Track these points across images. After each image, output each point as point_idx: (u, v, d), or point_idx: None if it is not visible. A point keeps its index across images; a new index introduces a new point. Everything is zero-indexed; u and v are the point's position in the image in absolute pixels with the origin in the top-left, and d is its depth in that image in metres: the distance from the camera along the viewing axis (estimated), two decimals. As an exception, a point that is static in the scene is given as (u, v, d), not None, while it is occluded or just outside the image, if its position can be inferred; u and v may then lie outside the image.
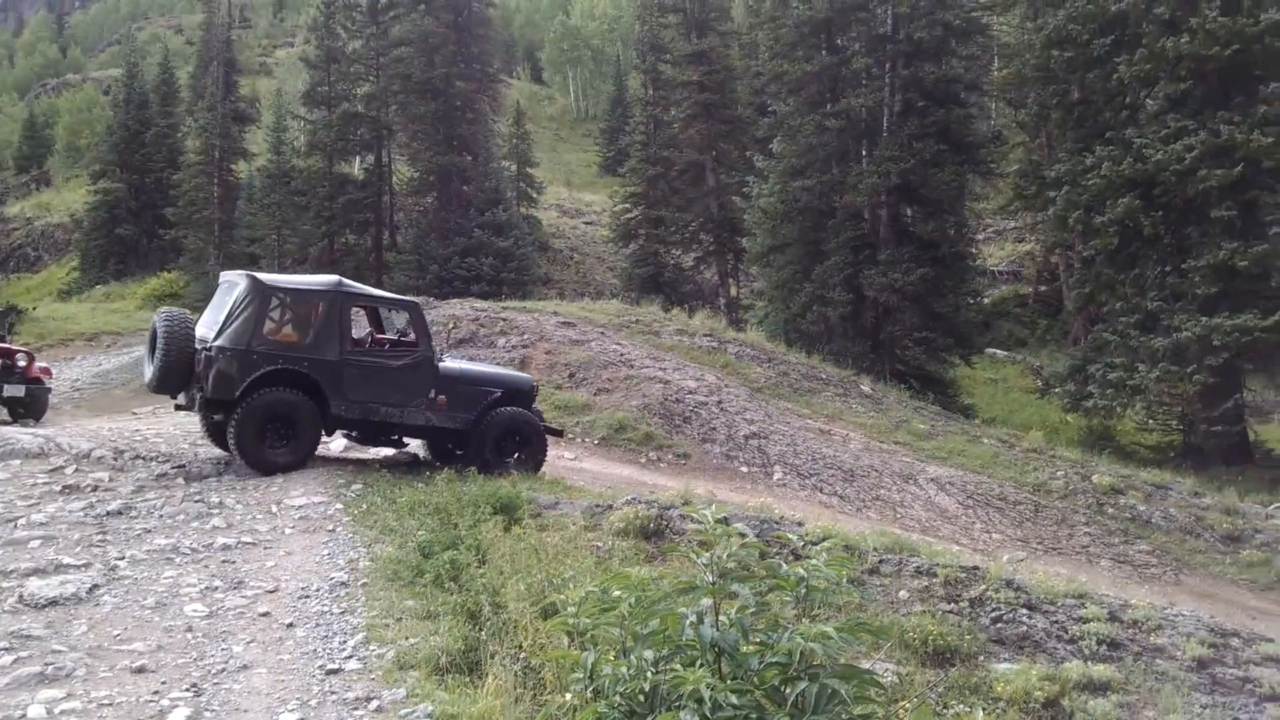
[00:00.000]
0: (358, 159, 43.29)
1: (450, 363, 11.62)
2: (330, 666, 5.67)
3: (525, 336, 19.55)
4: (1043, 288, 37.22)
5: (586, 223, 50.25)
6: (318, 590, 7.03)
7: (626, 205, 41.28)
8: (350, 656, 5.83)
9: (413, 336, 11.29)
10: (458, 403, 11.11)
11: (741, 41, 43.81)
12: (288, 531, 8.57)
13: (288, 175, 40.03)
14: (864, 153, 27.25)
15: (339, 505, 9.51)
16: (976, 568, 8.31)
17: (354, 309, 11.18)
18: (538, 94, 78.98)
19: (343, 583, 7.19)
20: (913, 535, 11.79)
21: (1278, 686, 6.89)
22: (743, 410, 17.37)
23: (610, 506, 9.19)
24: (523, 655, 5.46)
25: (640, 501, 9.21)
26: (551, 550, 7.43)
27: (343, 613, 6.59)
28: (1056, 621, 7.53)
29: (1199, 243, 21.48)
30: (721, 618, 3.86)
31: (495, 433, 11.23)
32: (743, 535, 4.15)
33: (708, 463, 15.74)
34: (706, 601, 3.91)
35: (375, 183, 41.19)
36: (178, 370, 10.34)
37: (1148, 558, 13.89)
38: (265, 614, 6.52)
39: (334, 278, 11.14)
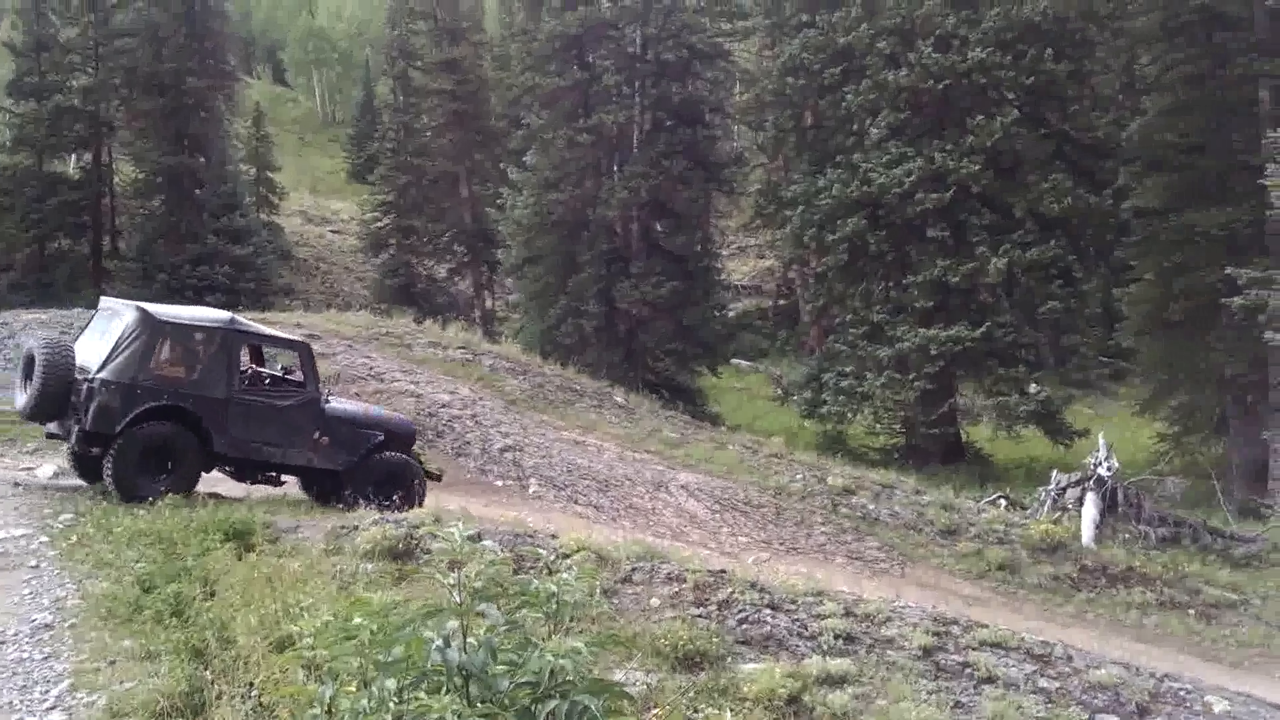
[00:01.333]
0: (73, 156, 39.49)
1: (335, 404, 11.41)
2: (27, 721, 5.03)
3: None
4: (781, 301, 39.39)
5: (334, 231, 48.27)
6: (16, 635, 6.26)
7: (376, 214, 40.06)
8: (53, 708, 5.21)
9: (299, 376, 11.18)
10: (340, 444, 11.02)
11: (494, 53, 43.67)
12: (-21, 570, 7.59)
13: (-12, 173, 35.93)
14: (616, 168, 27.79)
15: (44, 538, 8.54)
16: (724, 571, 8.55)
17: (243, 346, 11.02)
18: (280, 95, 75.24)
19: (46, 625, 6.44)
20: (664, 542, 12.01)
21: (992, 669, 7.49)
22: (498, 423, 17.18)
23: (356, 527, 8.76)
24: (254, 693, 5.05)
25: (388, 521, 8.84)
26: (289, 578, 6.97)
27: (45, 658, 5.89)
28: (798, 619, 7.86)
29: (918, 260, 23.41)
30: (470, 640, 3.71)
31: (378, 475, 11.11)
32: (494, 552, 4.01)
33: (462, 477, 15.40)
34: (453, 624, 3.73)
35: (94, 183, 37.69)
36: (54, 399, 9.98)
37: (877, 553, 14.86)
38: (-53, 667, 5.71)
39: (226, 314, 11.12)
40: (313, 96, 77.06)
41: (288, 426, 10.75)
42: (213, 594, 6.69)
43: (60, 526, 8.95)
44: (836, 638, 7.60)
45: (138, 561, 7.54)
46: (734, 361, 33.55)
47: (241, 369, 11.14)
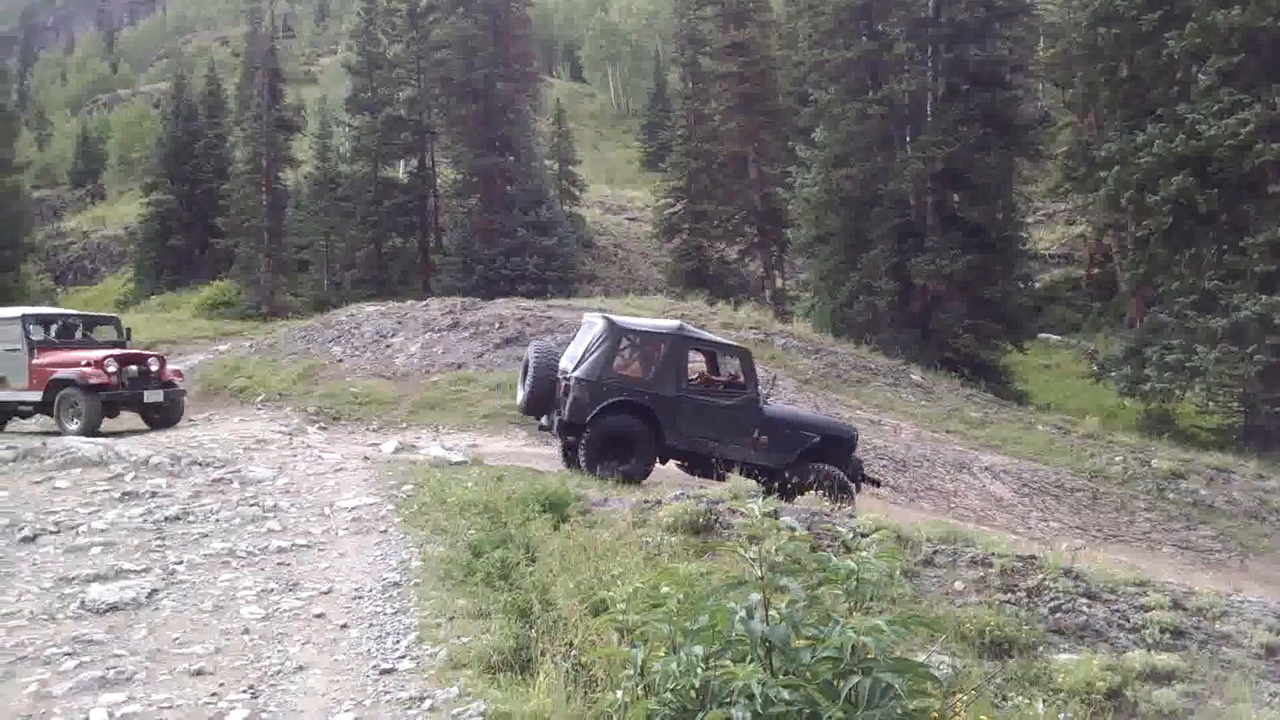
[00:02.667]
0: (402, 163, 43.66)
1: (775, 406, 12.46)
2: (384, 666, 5.71)
3: (571, 334, 19.58)
4: (1095, 270, 36.50)
5: (630, 219, 50.25)
6: (371, 591, 7.09)
7: (669, 200, 41.19)
8: (403, 656, 5.86)
9: (741, 379, 12.19)
10: (777, 444, 11.83)
11: (780, 31, 43.48)
12: (340, 533, 8.66)
13: (334, 181, 40.48)
14: (907, 139, 26.90)
15: (390, 506, 9.59)
16: (1034, 557, 8.15)
17: (691, 351, 12.25)
18: (577, 92, 79.12)
19: (395, 583, 7.24)
20: (967, 525, 11.61)
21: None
22: (792, 403, 17.25)
23: (659, 502, 9.15)
24: (573, 653, 5.45)
25: (689, 496, 9.16)
26: (600, 547, 7.42)
27: (395, 613, 6.64)
28: (1117, 610, 7.36)
29: (1256, 219, 20.92)
30: (771, 612, 3.81)
31: (810, 475, 11.72)
32: (791, 529, 4.10)
33: (757, 456, 15.61)
34: (755, 596, 3.86)
35: (420, 186, 41.52)
36: (542, 395, 11.77)
37: (1211, 543, 13.56)
38: (320, 615, 6.58)
39: (676, 323, 12.20)
40: (607, 90, 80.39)
41: (730, 424, 11.69)
42: (534, 560, 7.25)
43: (403, 496, 10.00)
44: (1163, 631, 7.05)
45: (468, 529, 8.30)
46: (1042, 336, 31.56)
47: (692, 375, 12.44)
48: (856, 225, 27.07)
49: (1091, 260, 36.94)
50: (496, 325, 20.09)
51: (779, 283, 38.34)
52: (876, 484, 12.94)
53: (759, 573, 3.87)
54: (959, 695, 5.66)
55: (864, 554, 3.88)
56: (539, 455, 13.71)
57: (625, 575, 6.34)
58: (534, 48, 48.98)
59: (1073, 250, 38.45)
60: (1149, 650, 6.78)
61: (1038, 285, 33.11)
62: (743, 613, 3.89)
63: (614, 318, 12.01)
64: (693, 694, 3.83)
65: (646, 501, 9.35)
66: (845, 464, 12.09)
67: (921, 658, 6.11)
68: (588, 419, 11.26)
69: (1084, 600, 7.39)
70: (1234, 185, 21.37)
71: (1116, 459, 15.99)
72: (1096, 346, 30.21)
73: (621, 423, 11.33)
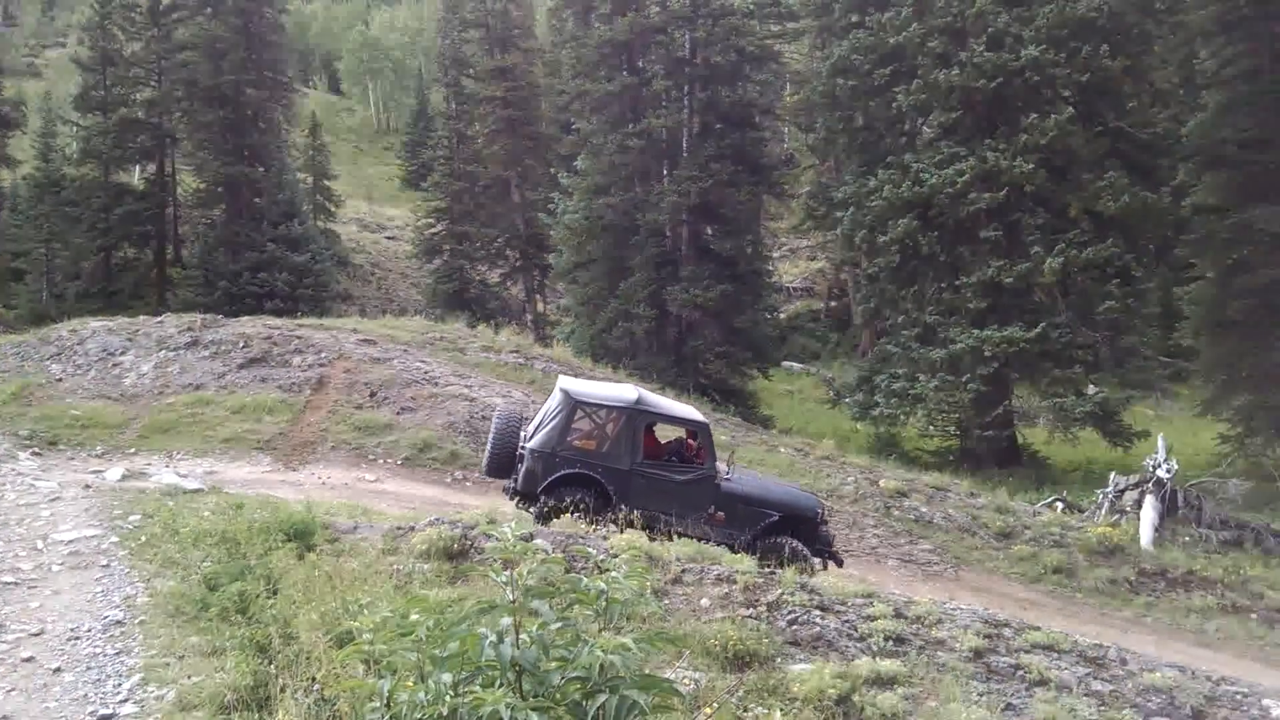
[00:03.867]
0: (137, 168, 40.61)
1: (734, 483, 12.12)
2: (103, 712, 5.27)
3: (323, 355, 18.83)
4: (833, 303, 39.18)
5: (389, 238, 49.02)
6: (89, 631, 6.52)
7: (430, 220, 40.60)
8: (125, 700, 5.43)
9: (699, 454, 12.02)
10: (734, 520, 11.66)
11: (545, 59, 44.01)
12: (55, 569, 7.90)
13: (57, 184, 37.02)
14: (665, 172, 27.90)
15: (114, 538, 8.85)
16: (773, 573, 8.60)
17: (647, 424, 11.99)
18: (336, 105, 76.51)
19: (118, 621, 6.69)
20: (713, 548, 12.07)
21: (1045, 672, 7.45)
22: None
23: (412, 528, 8.96)
24: (316, 687, 5.22)
25: (443, 522, 9.02)
26: (348, 576, 7.17)
27: (117, 654, 6.13)
28: (848, 620, 7.89)
29: (970, 261, 23.18)
30: (523, 636, 3.82)
31: (770, 554, 11.32)
32: (544, 551, 4.13)
33: (514, 480, 15.61)
34: (506, 620, 3.85)
35: (157, 193, 38.73)
36: (501, 460, 11.80)
37: (930, 556, 14.77)
38: (29, 659, 5.99)
39: (634, 394, 12.03)
40: (368, 105, 78.25)
41: (685, 499, 11.55)
42: (275, 592, 6.90)
43: (129, 527, 9.26)
44: (887, 639, 7.62)
45: (203, 561, 7.79)
46: (785, 364, 33.47)
47: (664, 443, 12.33)
48: (617, 253, 27.74)
49: (830, 294, 39.65)
50: (241, 344, 19.01)
51: (540, 307, 38.60)
52: (839, 563, 12.38)
53: (511, 596, 3.88)
54: (705, 709, 5.87)
55: (614, 574, 3.95)
56: (284, 482, 13.09)
57: (373, 604, 6.15)
58: (288, 56, 47.03)
59: (814, 284, 41.09)
60: (874, 657, 7.31)
61: (782, 316, 35.14)
62: (493, 637, 3.87)
63: (571, 388, 11.97)
64: (441, 722, 3.76)
65: (399, 528, 9.12)
66: (813, 539, 11.94)
67: (669, 674, 6.29)
68: (539, 489, 11.23)
69: (818, 612, 7.87)
70: (952, 229, 23.61)
71: (850, 479, 17.13)
72: (833, 374, 32.35)
73: (572, 495, 11.19)
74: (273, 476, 13.65)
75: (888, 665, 7.07)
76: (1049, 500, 18.60)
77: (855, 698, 6.66)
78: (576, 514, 10.89)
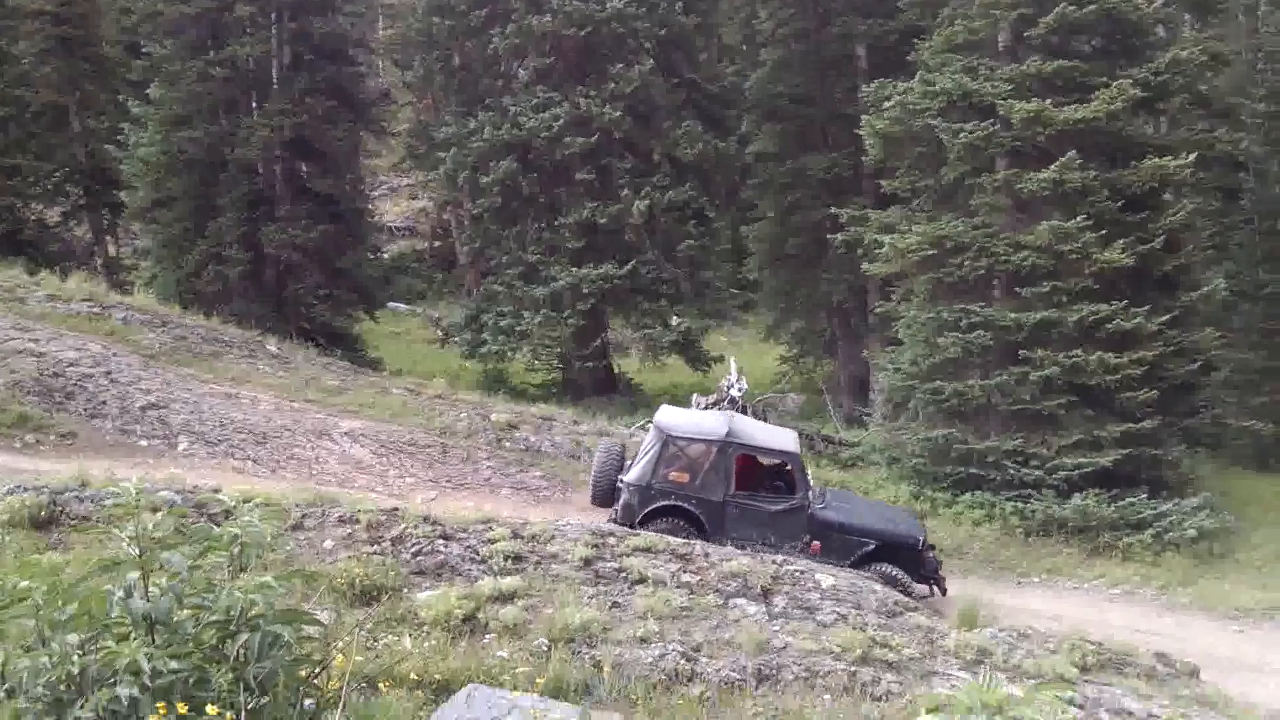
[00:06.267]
0: None
1: (830, 510, 12.17)
2: None
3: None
4: (438, 243, 39.26)
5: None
6: None
7: (-31, 151, 34.95)
8: None
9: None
10: (830, 550, 11.65)
11: (104, -29, 39.15)
12: None
13: None
14: (255, 105, 26.24)
15: None
16: (396, 509, 8.85)
17: (739, 455, 12.16)
18: None
19: None
20: (331, 489, 12.04)
21: (644, 570, 8.42)
22: (137, 380, 16.07)
23: (-13, 498, 8.11)
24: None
25: (25, 489, 8.25)
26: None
27: None
28: (469, 546, 8.37)
29: (568, 202, 24.36)
30: (152, 588, 3.81)
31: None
32: (170, 504, 4.10)
33: (100, 440, 14.38)
34: (133, 575, 3.82)
35: None
36: (603, 492, 12.51)
37: (541, 482, 15.72)
38: None
39: (725, 427, 12.26)
40: None
41: (778, 529, 11.76)
42: None
43: None
44: (506, 559, 8.20)
45: None
46: (391, 305, 33.17)
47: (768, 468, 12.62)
48: (202, 190, 25.73)
49: (434, 234, 39.65)
50: None
51: (112, 250, 34.87)
52: (943, 591, 12.19)
53: (135, 551, 3.84)
54: (336, 642, 6.05)
55: (247, 519, 4.05)
56: None
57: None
58: None
59: (417, 223, 40.82)
60: (496, 577, 7.86)
61: (386, 256, 34.66)
62: (120, 593, 3.83)
63: (665, 422, 12.44)
64: (68, 685, 3.68)
65: (-30, 500, 8.20)
66: (914, 565, 11.94)
67: (299, 615, 6.38)
68: (635, 522, 11.39)
69: (441, 542, 8.27)
70: (550, 172, 24.62)
71: (462, 416, 17.64)
72: (440, 314, 32.61)
73: (667, 527, 11.26)
74: None
75: (508, 582, 7.65)
76: (643, 423, 20.32)
77: (480, 615, 7.17)
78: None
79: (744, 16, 33.70)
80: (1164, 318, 16.73)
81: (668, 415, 13.09)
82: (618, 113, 23.31)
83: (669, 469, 12.04)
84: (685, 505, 11.86)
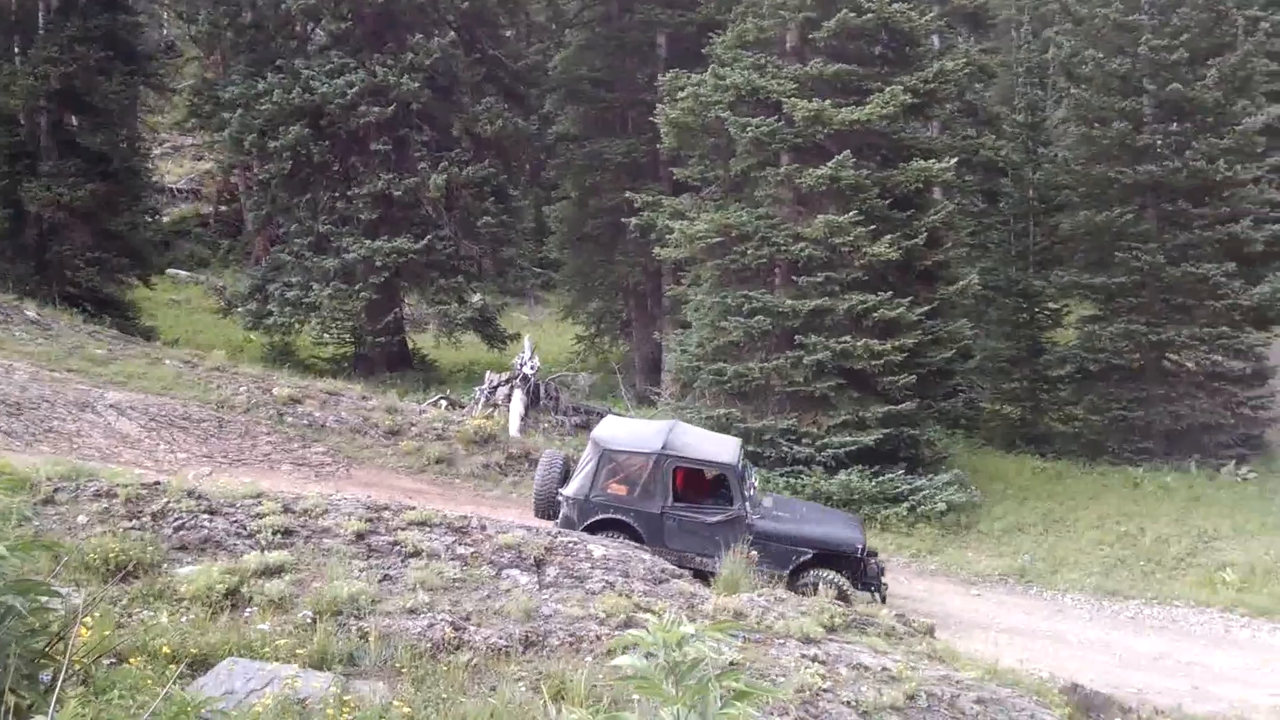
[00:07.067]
0: None
1: (768, 521, 12.25)
2: None
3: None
4: (223, 207, 37.34)
5: None
6: None
7: None
8: None
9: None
10: (768, 559, 11.68)
11: None
12: None
13: None
14: (17, 51, 24.16)
15: None
16: (158, 483, 8.55)
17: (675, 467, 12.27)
18: None
19: None
20: (92, 464, 11.43)
21: (418, 544, 8.49)
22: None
23: None
24: None
25: None
26: None
27: None
28: (236, 521, 8.20)
29: (362, 172, 23.79)
30: None
31: (807, 592, 11.44)
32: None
33: None
34: None
35: None
36: (544, 503, 12.62)
37: (323, 458, 15.42)
38: None
39: (660, 440, 12.34)
40: None
41: (716, 540, 11.69)
42: None
43: None
44: (275, 533, 8.09)
45: None
46: (170, 272, 31.41)
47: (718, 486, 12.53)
48: (-48, 139, 23.54)
49: (219, 198, 37.65)
50: None
51: None
52: (883, 599, 12.18)
53: None
54: (85, 618, 5.86)
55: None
56: None
57: None
58: None
59: (201, 186, 38.66)
60: (263, 551, 7.76)
61: (166, 219, 32.74)
62: None
63: (601, 436, 12.49)
64: None
65: None
66: (855, 573, 12.10)
67: (43, 592, 6.13)
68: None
69: (205, 516, 8.07)
70: (344, 140, 23.95)
71: (241, 389, 17.02)
72: (225, 282, 31.12)
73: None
74: None
75: (275, 556, 7.56)
76: (434, 399, 20.25)
77: (244, 590, 7.07)
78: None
79: (551, -5, 33.82)
80: (924, 309, 18.12)
81: (607, 428, 13.12)
82: (416, 84, 22.93)
83: (607, 482, 12.10)
84: (624, 518, 11.93)
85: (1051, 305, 24.58)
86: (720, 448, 12.97)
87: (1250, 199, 21.81)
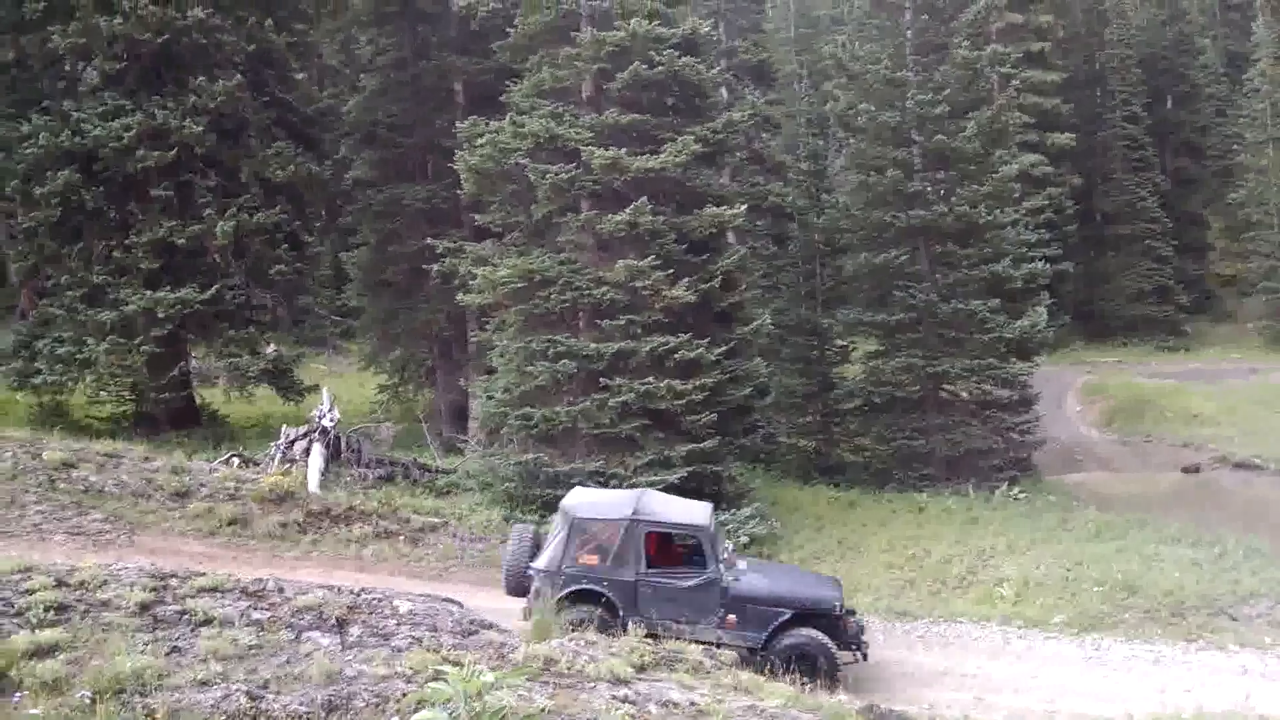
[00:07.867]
0: None
1: (744, 582, 12.10)
2: None
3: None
4: (-17, 258, 34.31)
5: None
6: None
7: None
8: None
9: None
10: (747, 623, 11.75)
11: None
12: None
13: None
14: None
15: None
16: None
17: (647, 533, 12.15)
18: None
19: None
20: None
21: (209, 611, 8.05)
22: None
23: None
24: None
25: None
26: None
27: None
28: (2, 599, 7.54)
29: (142, 219, 22.46)
30: None
31: (787, 654, 11.61)
32: None
33: None
34: None
35: None
36: (517, 580, 12.34)
37: (102, 525, 14.38)
38: None
39: (630, 506, 12.24)
40: None
41: (693, 605, 11.77)
42: None
43: None
44: (47, 610, 7.48)
45: None
46: (-80, 328, 28.57)
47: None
48: None
49: (-21, 248, 34.60)
50: None
51: None
52: (864, 656, 12.27)
53: None
54: None
55: None
56: None
57: None
58: None
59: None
60: (34, 630, 7.15)
61: (-86, 271, 29.84)
62: None
63: (570, 505, 12.31)
64: None
65: None
66: (835, 631, 11.98)
67: None
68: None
69: (-37, 596, 7.37)
70: (121, 185, 22.57)
71: (6, 455, 15.66)
72: (-14, 339, 28.57)
73: (582, 614, 11.23)
74: None
75: (48, 634, 7.00)
76: (226, 457, 19.27)
77: (13, 673, 6.51)
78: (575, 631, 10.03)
79: (344, 39, 33.24)
80: (722, 348, 18.78)
81: (575, 497, 12.88)
82: (200, 127, 21.91)
83: (579, 552, 11.95)
84: (597, 588, 11.79)
85: (839, 342, 26.01)
86: (691, 511, 12.91)
87: (1009, 240, 23.92)
